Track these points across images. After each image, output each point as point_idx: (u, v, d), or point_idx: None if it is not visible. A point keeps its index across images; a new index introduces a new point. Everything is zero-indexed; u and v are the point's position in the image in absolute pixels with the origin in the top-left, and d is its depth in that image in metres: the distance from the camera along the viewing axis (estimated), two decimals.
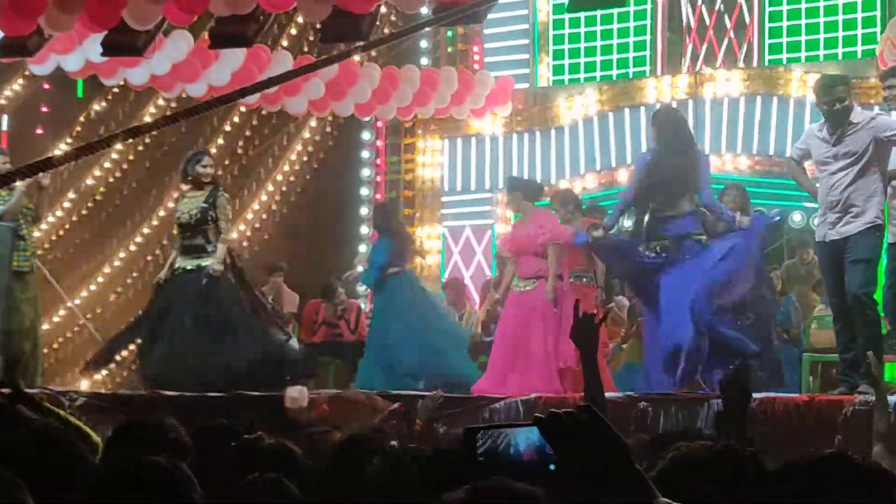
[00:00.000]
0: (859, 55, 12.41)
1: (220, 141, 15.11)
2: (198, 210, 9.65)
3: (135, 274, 14.84)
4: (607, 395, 8.08)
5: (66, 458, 2.80)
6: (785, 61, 12.97)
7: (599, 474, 1.80)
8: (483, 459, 1.92)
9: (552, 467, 1.86)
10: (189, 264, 9.65)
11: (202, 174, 9.79)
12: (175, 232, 10.12)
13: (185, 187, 10.06)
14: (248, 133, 15.32)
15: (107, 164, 14.64)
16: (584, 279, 9.83)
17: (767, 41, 13.08)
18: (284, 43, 14.19)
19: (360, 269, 11.97)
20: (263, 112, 14.41)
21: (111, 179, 14.82)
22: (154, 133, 13.71)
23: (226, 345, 9.37)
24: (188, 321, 9.49)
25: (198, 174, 9.79)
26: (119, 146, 14.10)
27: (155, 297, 9.90)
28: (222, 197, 9.81)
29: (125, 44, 8.93)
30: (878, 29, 12.17)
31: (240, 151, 15.32)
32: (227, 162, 15.17)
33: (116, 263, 14.86)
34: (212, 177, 9.89)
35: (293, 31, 14.62)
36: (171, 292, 9.70)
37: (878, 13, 12.49)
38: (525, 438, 1.90)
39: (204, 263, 9.55)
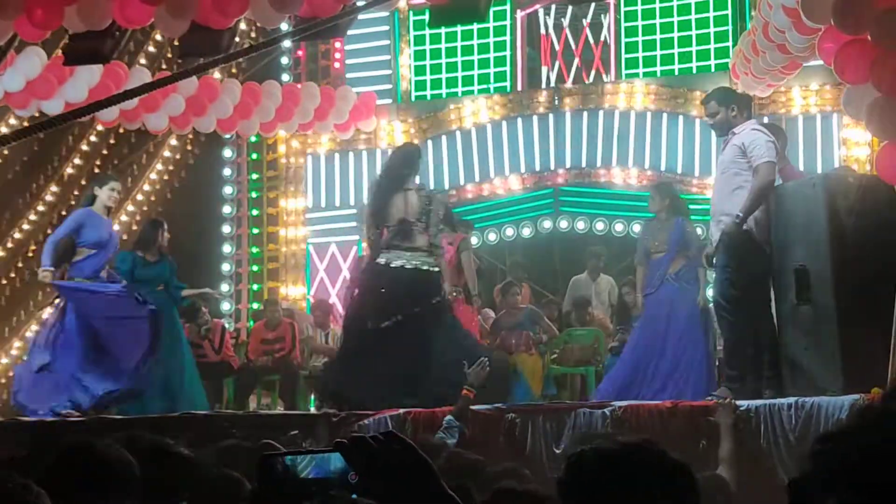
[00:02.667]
0: (713, 69, 12.72)
1: (77, 160, 14.77)
2: None
3: None
4: (476, 407, 8.16)
5: None
6: (641, 75, 13.22)
7: (407, 503, 1.67)
8: (281, 488, 1.73)
9: (354, 496, 1.71)
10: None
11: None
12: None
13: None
14: (105, 152, 14.99)
15: None
16: (455, 293, 9.98)
17: (624, 56, 13.32)
18: (143, 60, 13.94)
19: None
20: (122, 130, 14.14)
21: None
22: (5, 152, 13.38)
23: None
24: None
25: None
26: None
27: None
28: None
29: None
30: (730, 43, 12.49)
31: (95, 171, 14.98)
32: (83, 182, 14.84)
33: None
34: None
35: (151, 49, 14.38)
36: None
37: (730, 28, 12.83)
38: (327, 465, 1.73)
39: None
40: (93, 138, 14.85)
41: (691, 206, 12.73)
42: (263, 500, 1.78)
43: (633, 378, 9.08)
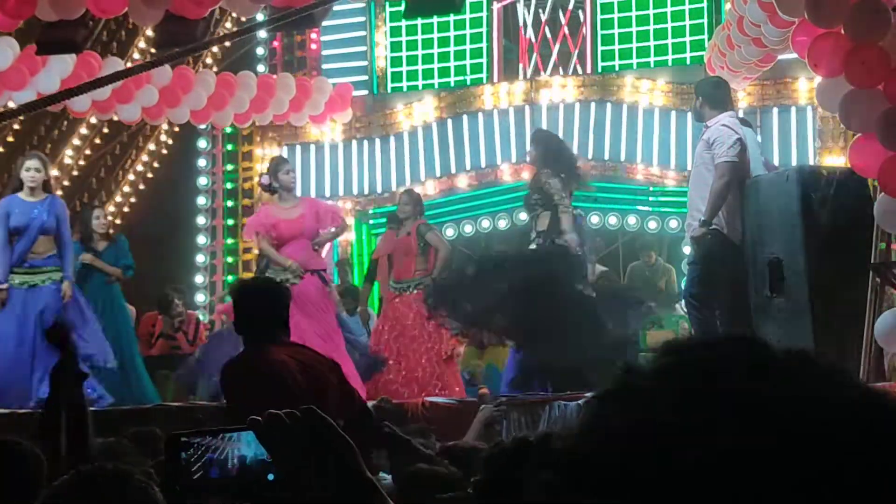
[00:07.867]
0: (688, 62, 12.74)
1: (48, 149, 14.67)
2: None
3: None
4: (446, 399, 8.12)
5: None
6: (617, 68, 13.23)
7: (326, 484, 1.55)
8: (190, 470, 1.62)
9: (271, 477, 1.60)
10: None
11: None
12: None
13: None
14: (77, 143, 14.89)
15: None
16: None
17: (600, 48, 13.33)
18: (116, 50, 13.86)
19: None
20: (94, 121, 14.05)
21: None
22: None
23: None
24: None
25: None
26: None
27: None
28: None
29: None
30: (705, 36, 12.51)
31: (69, 162, 14.89)
32: (57, 172, 14.74)
33: None
34: None
35: (125, 38, 14.30)
36: None
37: (705, 21, 12.86)
38: (240, 444, 1.62)
39: None
40: (64, 128, 14.75)
41: (670, 200, 12.86)
42: (174, 483, 1.65)
43: None
